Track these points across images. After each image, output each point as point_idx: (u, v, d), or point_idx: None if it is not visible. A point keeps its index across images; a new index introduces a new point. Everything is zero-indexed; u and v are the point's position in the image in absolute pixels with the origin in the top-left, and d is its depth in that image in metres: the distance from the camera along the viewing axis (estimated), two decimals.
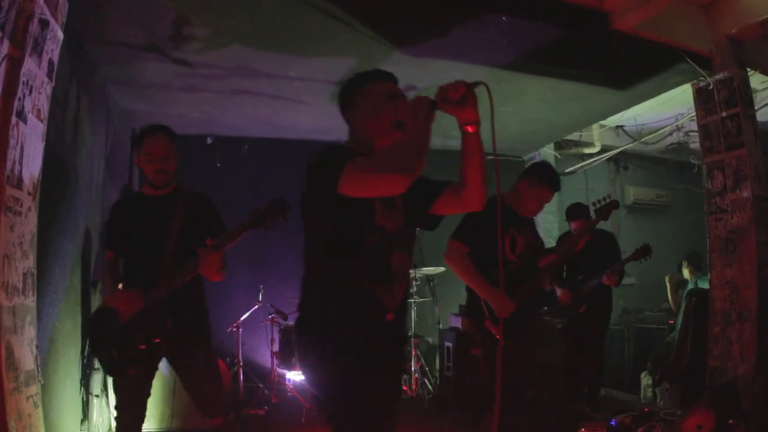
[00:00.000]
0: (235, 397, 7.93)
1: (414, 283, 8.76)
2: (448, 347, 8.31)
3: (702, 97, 6.96)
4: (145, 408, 4.35)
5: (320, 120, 8.69)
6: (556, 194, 5.51)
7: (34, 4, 3.83)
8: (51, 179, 4.56)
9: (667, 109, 9.28)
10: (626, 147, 11.13)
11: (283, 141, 9.95)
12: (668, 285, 9.92)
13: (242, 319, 8.19)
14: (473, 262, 5.11)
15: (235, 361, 8.22)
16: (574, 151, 11.27)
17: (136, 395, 4.30)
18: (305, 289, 3.18)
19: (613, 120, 10.17)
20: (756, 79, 7.15)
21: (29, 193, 3.99)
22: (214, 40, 6.09)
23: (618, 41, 6.22)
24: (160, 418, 6.21)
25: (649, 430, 6.02)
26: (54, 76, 4.31)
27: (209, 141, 9.40)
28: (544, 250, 5.62)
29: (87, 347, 4.49)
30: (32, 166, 4.02)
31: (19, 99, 3.73)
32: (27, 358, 3.90)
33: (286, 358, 7.98)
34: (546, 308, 8.33)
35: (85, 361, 5.76)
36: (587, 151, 11.21)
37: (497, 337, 4.88)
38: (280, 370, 8.29)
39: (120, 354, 4.15)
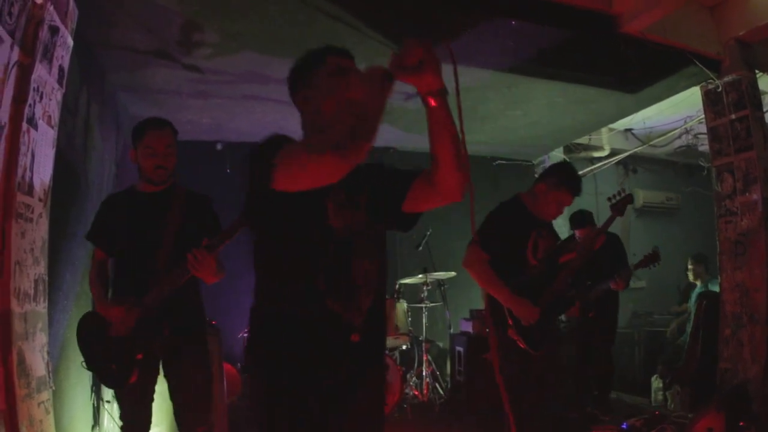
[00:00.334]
0: (246, 402, 7.92)
1: (425, 287, 8.70)
2: (459, 352, 8.29)
3: (711, 100, 6.95)
4: (150, 414, 4.19)
5: None
6: None
7: (44, 10, 3.85)
8: (62, 186, 4.57)
9: (676, 111, 9.27)
10: (635, 150, 11.13)
11: None
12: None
13: None
14: (493, 268, 4.90)
15: None
16: (583, 154, 11.26)
17: (140, 403, 4.14)
18: (251, 311, 2.75)
19: (621, 123, 10.17)
20: (765, 81, 7.12)
21: (40, 200, 4.00)
22: (223, 46, 6.09)
23: (626, 44, 6.22)
24: (170, 423, 6.19)
25: None
26: (64, 82, 4.33)
27: (219, 147, 9.40)
28: (562, 244, 5.46)
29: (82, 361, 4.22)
30: (43, 173, 4.03)
31: (30, 105, 3.75)
32: (38, 365, 3.91)
33: None
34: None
35: None
36: (596, 154, 11.20)
37: (521, 345, 4.82)
38: None
39: (119, 365, 3.96)
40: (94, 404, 5.73)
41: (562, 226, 10.88)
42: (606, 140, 11.00)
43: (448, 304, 9.14)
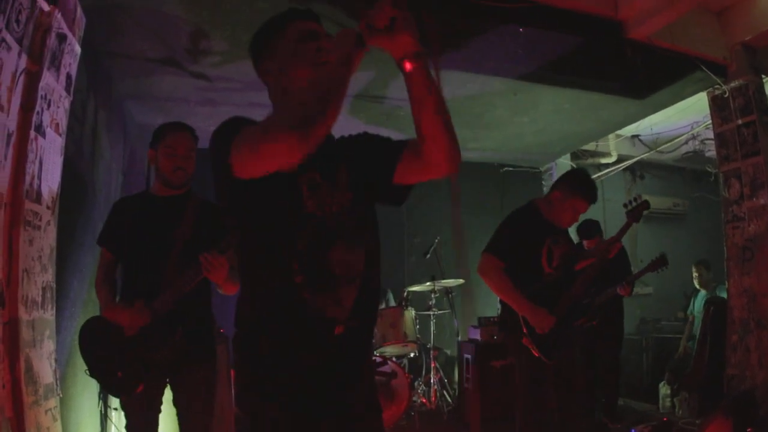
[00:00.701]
0: None
1: (433, 295, 8.71)
2: (467, 359, 8.27)
3: (717, 105, 6.96)
4: (157, 425, 4.06)
5: (337, 132, 8.66)
6: None
7: (51, 18, 3.86)
8: (69, 193, 4.57)
9: (683, 117, 9.26)
10: (642, 156, 11.13)
11: None
12: None
13: None
14: (509, 275, 4.88)
15: None
16: (590, 161, 11.25)
17: (147, 413, 3.98)
18: (233, 341, 2.49)
19: (629, 129, 10.17)
20: None
21: (48, 207, 4.01)
22: (231, 54, 6.10)
23: (633, 50, 6.22)
24: None
25: None
26: (72, 90, 4.34)
27: None
28: (579, 253, 5.47)
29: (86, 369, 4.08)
30: (51, 180, 4.04)
31: (38, 113, 3.76)
32: (46, 372, 3.92)
33: None
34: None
35: None
36: (603, 161, 11.20)
37: (535, 354, 4.78)
38: None
39: (125, 373, 3.82)
40: (101, 411, 5.72)
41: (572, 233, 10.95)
42: (613, 146, 11.00)
43: (456, 311, 9.12)
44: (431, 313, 8.65)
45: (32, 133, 3.71)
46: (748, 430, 5.48)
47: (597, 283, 7.03)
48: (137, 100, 7.38)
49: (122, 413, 4.09)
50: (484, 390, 7.71)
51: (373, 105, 7.66)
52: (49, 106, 3.93)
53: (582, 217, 5.47)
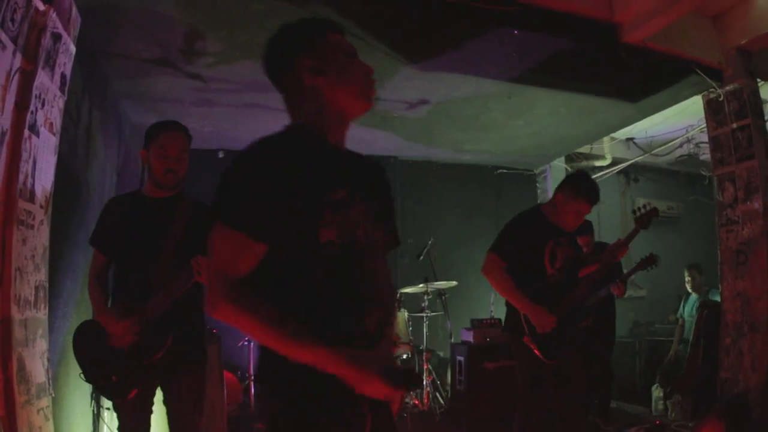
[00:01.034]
0: (247, 411, 7.94)
1: (426, 297, 8.71)
2: (459, 361, 8.28)
3: (712, 109, 6.96)
4: (149, 426, 4.04)
5: None
6: None
7: (46, 17, 3.86)
8: (63, 193, 4.56)
9: (678, 120, 9.29)
10: (637, 159, 11.14)
11: None
12: None
13: None
14: (511, 275, 4.96)
15: (247, 374, 8.25)
16: (584, 164, 11.25)
17: (140, 415, 3.95)
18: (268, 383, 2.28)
19: (623, 132, 10.19)
20: (766, 90, 7.13)
21: (41, 207, 4.01)
22: (226, 55, 6.11)
23: (628, 54, 6.22)
24: None
25: None
26: (66, 89, 4.33)
27: (221, 155, 9.40)
28: (585, 258, 5.52)
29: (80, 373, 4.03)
30: (44, 180, 4.04)
31: (32, 112, 3.75)
32: (38, 371, 3.91)
33: None
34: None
35: None
36: (598, 163, 11.20)
37: (536, 353, 4.83)
38: None
39: (119, 377, 3.80)
40: (93, 411, 5.71)
41: None
42: (607, 149, 11.01)
43: (449, 313, 9.12)
44: (424, 314, 8.65)
45: (26, 132, 3.70)
46: None
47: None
48: (132, 100, 7.37)
49: (114, 413, 4.08)
50: (476, 392, 7.74)
51: None
52: (43, 105, 3.93)
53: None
